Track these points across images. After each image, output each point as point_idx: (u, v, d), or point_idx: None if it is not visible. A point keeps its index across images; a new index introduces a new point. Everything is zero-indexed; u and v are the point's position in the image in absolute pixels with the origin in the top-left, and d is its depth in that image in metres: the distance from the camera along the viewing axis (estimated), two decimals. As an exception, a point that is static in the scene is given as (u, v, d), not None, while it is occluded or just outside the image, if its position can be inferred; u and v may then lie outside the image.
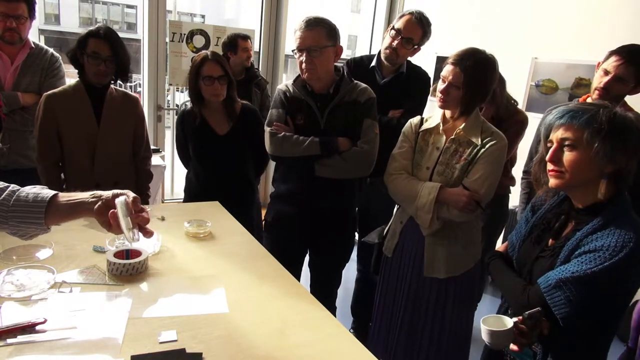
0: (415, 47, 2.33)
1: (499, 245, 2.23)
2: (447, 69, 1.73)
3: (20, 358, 1.03)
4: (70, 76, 2.35)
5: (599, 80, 1.92)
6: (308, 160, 1.90)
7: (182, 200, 2.53)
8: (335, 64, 1.97)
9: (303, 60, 1.87)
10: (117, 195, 1.05)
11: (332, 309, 2.22)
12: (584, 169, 1.21)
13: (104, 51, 2.02)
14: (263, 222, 2.29)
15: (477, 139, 1.74)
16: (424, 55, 2.59)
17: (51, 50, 2.49)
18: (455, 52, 1.73)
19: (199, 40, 4.00)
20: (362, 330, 2.62)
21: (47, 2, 19.66)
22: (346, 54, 5.36)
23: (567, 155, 1.22)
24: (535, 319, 1.22)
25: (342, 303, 2.47)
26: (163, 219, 1.93)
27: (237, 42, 3.22)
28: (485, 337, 1.26)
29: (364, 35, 12.52)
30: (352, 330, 2.71)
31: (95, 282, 1.38)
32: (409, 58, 2.42)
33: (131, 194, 1.07)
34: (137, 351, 1.08)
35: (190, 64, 2.37)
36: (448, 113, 1.82)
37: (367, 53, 2.78)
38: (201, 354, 1.09)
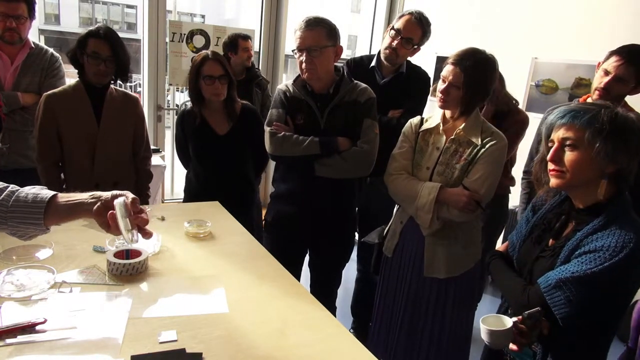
0: (415, 47, 2.33)
1: (499, 245, 2.23)
2: (447, 69, 1.73)
3: (20, 358, 1.03)
4: (70, 76, 2.35)
5: (599, 81, 1.92)
6: (308, 160, 1.90)
7: (182, 200, 2.53)
8: (335, 64, 1.97)
9: (303, 60, 1.87)
10: (116, 196, 1.05)
11: (332, 309, 2.22)
12: (585, 169, 1.21)
13: (104, 51, 2.02)
14: (263, 222, 2.29)
15: (477, 139, 1.74)
16: (424, 55, 2.59)
17: (51, 50, 2.49)
18: (455, 52, 1.73)
19: (199, 40, 4.00)
20: (362, 330, 2.62)
21: (47, 2, 19.67)
22: (346, 54, 5.36)
23: (568, 155, 1.22)
24: (534, 319, 1.22)
25: (342, 303, 2.47)
26: (163, 219, 1.93)
27: (237, 42, 3.22)
28: (484, 336, 1.26)
29: (364, 35, 12.53)
30: (352, 330, 2.71)
31: (95, 282, 1.38)
32: (408, 58, 2.42)
33: (130, 195, 1.07)
34: (137, 351, 1.08)
35: (190, 64, 2.37)
36: (448, 113, 1.82)
37: (367, 53, 2.78)
38: (201, 354, 1.09)
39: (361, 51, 16.65)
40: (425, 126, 1.87)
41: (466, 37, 3.48)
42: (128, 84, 3.54)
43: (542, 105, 3.25)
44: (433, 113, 1.93)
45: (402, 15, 2.31)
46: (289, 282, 1.50)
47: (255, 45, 4.08)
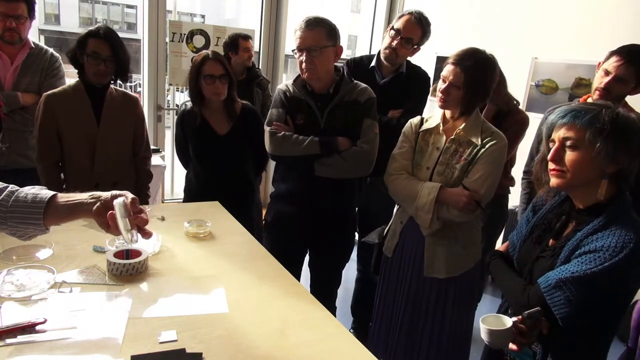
0: (415, 47, 2.33)
1: (499, 245, 2.23)
2: (448, 69, 1.73)
3: (20, 358, 1.03)
4: (70, 76, 2.35)
5: (599, 81, 1.92)
6: (308, 159, 1.90)
7: (182, 200, 2.53)
8: (335, 64, 1.97)
9: (303, 60, 1.87)
10: (116, 197, 1.05)
11: (332, 309, 2.22)
12: (586, 169, 1.21)
13: (103, 51, 2.02)
14: (263, 222, 2.29)
15: (477, 139, 1.74)
16: (424, 55, 2.59)
17: (51, 50, 2.49)
18: (455, 52, 1.73)
19: (199, 40, 4.00)
20: (362, 330, 2.62)
21: (47, 2, 19.67)
22: (346, 54, 5.36)
23: (569, 155, 1.22)
24: (534, 319, 1.22)
25: (342, 303, 2.47)
26: (163, 219, 1.93)
27: (238, 42, 3.22)
28: (484, 336, 1.26)
29: (364, 35, 12.53)
30: (352, 330, 2.71)
31: (95, 282, 1.38)
32: (408, 58, 2.42)
33: (130, 195, 1.07)
34: (137, 351, 1.08)
35: (190, 64, 2.37)
36: (448, 113, 1.82)
37: (367, 53, 2.78)
38: (201, 354, 1.09)
39: (361, 51, 16.66)
40: (425, 126, 1.87)
41: (466, 37, 3.48)
42: (128, 84, 3.54)
43: (542, 105, 3.25)
44: (433, 113, 1.93)
45: (402, 15, 2.31)
46: (289, 282, 1.50)
47: (255, 45, 4.09)
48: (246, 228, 1.92)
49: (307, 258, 2.22)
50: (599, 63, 1.97)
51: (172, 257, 1.60)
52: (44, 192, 1.07)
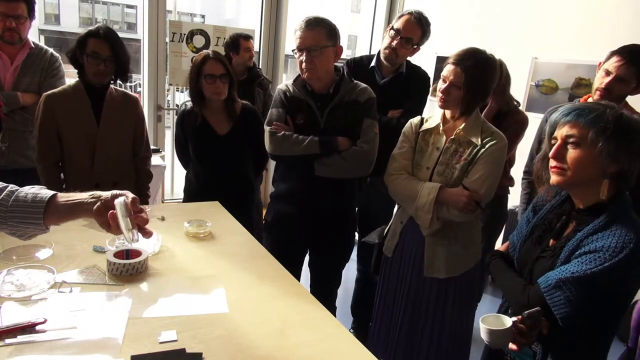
0: (415, 47, 2.33)
1: (499, 245, 2.23)
2: (448, 69, 1.73)
3: (20, 358, 1.03)
4: (70, 76, 2.35)
5: (600, 81, 1.92)
6: (307, 159, 1.90)
7: (182, 200, 2.53)
8: (335, 64, 1.97)
9: (303, 60, 1.87)
10: (116, 196, 1.05)
11: (332, 309, 2.22)
12: (587, 167, 1.21)
13: (103, 51, 2.02)
14: (263, 222, 2.29)
15: (477, 139, 1.74)
16: (424, 55, 2.59)
17: (51, 50, 2.49)
18: (455, 52, 1.73)
19: (199, 40, 4.00)
20: (362, 330, 2.62)
21: (47, 2, 19.67)
22: (346, 54, 5.36)
23: (571, 153, 1.22)
24: (534, 319, 1.22)
25: (342, 303, 2.47)
26: (163, 219, 1.93)
27: (239, 42, 3.22)
28: (484, 336, 1.26)
29: (364, 35, 12.53)
30: (352, 330, 2.71)
31: (95, 282, 1.38)
32: (408, 58, 2.42)
33: (130, 195, 1.07)
34: (137, 351, 1.08)
35: (190, 64, 2.37)
36: (448, 113, 1.82)
37: (367, 53, 2.78)
38: (201, 354, 1.09)
39: (361, 51, 16.66)
40: (425, 126, 1.87)
41: (466, 37, 3.48)
42: (128, 84, 3.54)
43: (542, 105, 3.25)
44: (433, 113, 1.93)
45: (402, 15, 2.32)
46: (289, 282, 1.50)
47: (256, 45, 4.09)
48: (246, 228, 1.92)
49: (307, 258, 2.22)
50: (600, 63, 1.97)
51: (172, 257, 1.60)
52: (44, 192, 1.07)
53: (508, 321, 1.25)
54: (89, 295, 1.30)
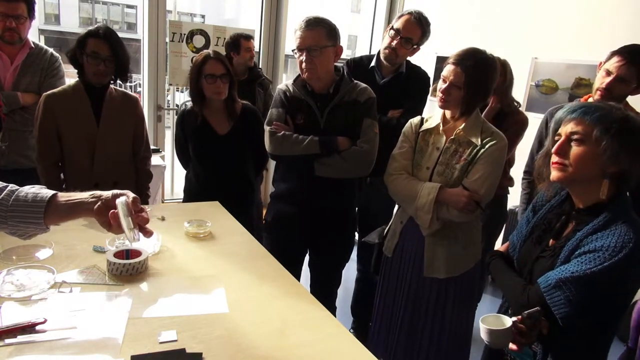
0: (415, 47, 2.33)
1: (499, 245, 2.23)
2: (448, 69, 1.73)
3: (20, 358, 1.03)
4: (70, 76, 2.35)
5: (601, 81, 1.92)
6: (307, 159, 1.90)
7: (182, 200, 2.53)
8: (335, 64, 1.97)
9: (303, 60, 1.87)
10: (117, 196, 1.05)
11: (332, 309, 2.22)
12: (588, 165, 1.21)
13: (103, 51, 2.02)
14: (263, 222, 2.29)
15: (477, 139, 1.74)
16: (424, 55, 2.59)
17: (51, 50, 2.49)
18: (455, 52, 1.73)
19: (199, 40, 4.00)
20: (362, 330, 2.62)
21: (47, 2, 19.66)
22: (346, 54, 5.36)
23: (574, 150, 1.23)
24: (534, 319, 1.22)
25: (342, 303, 2.47)
26: (163, 219, 1.93)
27: (239, 42, 3.22)
28: (484, 336, 1.26)
29: (364, 35, 12.53)
30: (352, 330, 2.71)
31: (95, 282, 1.38)
32: (408, 58, 2.42)
33: (131, 194, 1.07)
34: (137, 351, 1.08)
35: (190, 64, 2.37)
36: (448, 113, 1.82)
37: (367, 53, 2.78)
38: (201, 354, 1.09)
39: (361, 51, 16.66)
40: (425, 126, 1.87)
41: (466, 37, 3.48)
42: (128, 84, 3.54)
43: (542, 105, 3.25)
44: (433, 113, 1.93)
45: (402, 15, 2.32)
46: (289, 282, 1.50)
47: (256, 45, 4.09)
48: (246, 228, 1.92)
49: (307, 258, 2.22)
50: (600, 63, 1.97)
51: (172, 257, 1.60)
52: (45, 191, 1.07)
53: (508, 321, 1.25)
54: (89, 295, 1.30)
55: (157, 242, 1.62)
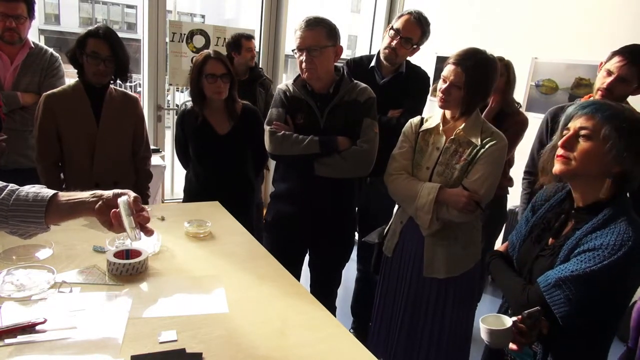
0: (414, 47, 2.33)
1: (499, 245, 2.23)
2: (449, 69, 1.73)
3: (20, 358, 1.03)
4: (70, 76, 2.35)
5: (602, 81, 1.91)
6: (307, 159, 1.90)
7: (182, 200, 2.53)
8: (335, 64, 1.97)
9: (303, 60, 1.87)
10: (118, 195, 1.05)
11: (332, 309, 2.22)
12: (592, 162, 1.21)
13: (103, 51, 2.02)
14: (263, 222, 2.29)
15: (477, 139, 1.74)
16: (424, 55, 2.59)
17: (51, 50, 2.49)
18: (456, 52, 1.73)
19: (199, 40, 4.00)
20: (362, 330, 2.62)
21: (47, 2, 19.66)
22: (346, 54, 5.35)
23: (581, 145, 1.23)
24: (534, 319, 1.22)
25: (342, 303, 2.47)
26: (163, 219, 1.93)
27: (241, 42, 3.22)
28: (484, 336, 1.26)
29: (364, 35, 12.52)
30: (352, 330, 2.71)
31: (95, 282, 1.38)
32: (408, 58, 2.42)
33: (132, 194, 1.07)
34: (137, 351, 1.08)
35: (190, 64, 2.37)
36: (448, 113, 1.82)
37: (367, 53, 2.78)
38: (201, 354, 1.09)
39: (361, 51, 16.65)
40: (425, 126, 1.87)
41: (466, 37, 3.48)
42: (128, 84, 3.54)
43: (542, 105, 3.25)
44: (433, 113, 1.93)
45: (402, 15, 2.32)
46: (289, 282, 1.50)
47: (256, 45, 4.09)
48: (246, 228, 1.92)
49: (307, 258, 2.22)
50: (601, 63, 1.97)
51: (172, 257, 1.60)
52: (45, 191, 1.07)
53: (508, 321, 1.24)
54: (89, 295, 1.30)
55: (157, 242, 1.62)
